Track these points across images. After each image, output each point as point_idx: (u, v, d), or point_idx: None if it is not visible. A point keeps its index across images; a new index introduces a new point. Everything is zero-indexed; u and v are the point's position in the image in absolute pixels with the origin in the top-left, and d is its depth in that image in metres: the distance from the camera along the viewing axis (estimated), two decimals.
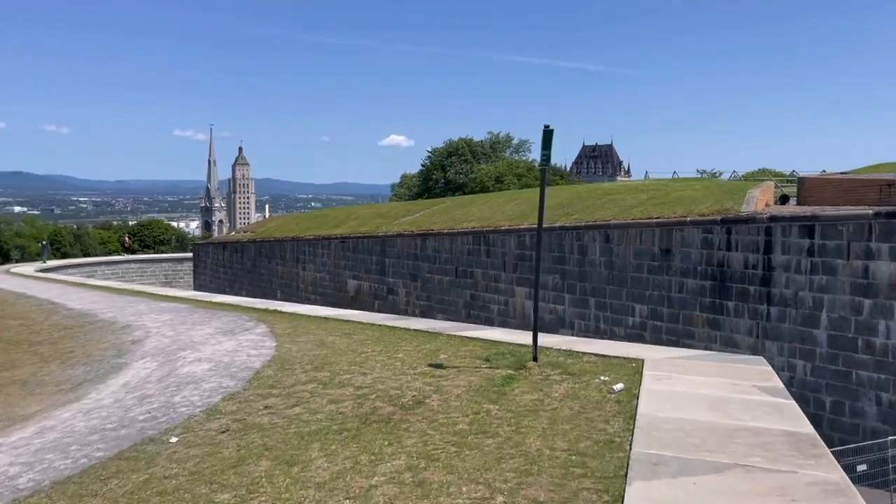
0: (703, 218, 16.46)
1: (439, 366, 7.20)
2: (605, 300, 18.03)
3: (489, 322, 21.28)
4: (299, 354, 8.25)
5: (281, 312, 12.43)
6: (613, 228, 17.97)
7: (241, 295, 36.80)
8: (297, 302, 31.99)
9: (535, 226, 20.39)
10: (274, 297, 33.71)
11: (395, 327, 9.80)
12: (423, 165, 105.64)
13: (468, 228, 22.07)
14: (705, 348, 16.43)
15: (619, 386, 5.90)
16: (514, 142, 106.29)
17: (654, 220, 17.55)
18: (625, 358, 7.05)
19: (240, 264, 36.86)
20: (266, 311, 12.78)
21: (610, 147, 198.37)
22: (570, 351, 7.56)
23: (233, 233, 50.65)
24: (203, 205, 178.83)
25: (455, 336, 8.96)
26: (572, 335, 18.67)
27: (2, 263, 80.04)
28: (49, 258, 57.90)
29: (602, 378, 6.25)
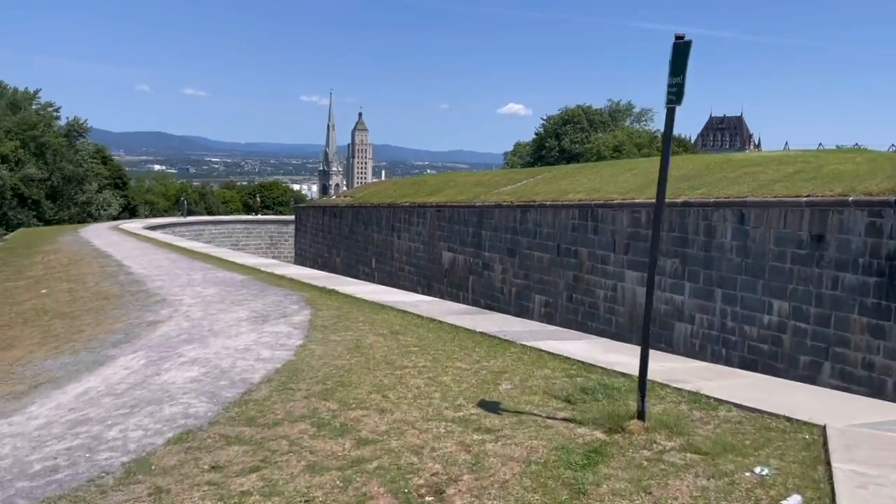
0: (870, 198, 13.06)
1: (494, 406, 4.90)
2: (735, 292, 14.98)
3: (593, 308, 18.67)
4: (319, 364, 6.20)
5: (337, 293, 10.50)
6: (750, 207, 14.82)
7: (337, 261, 35.78)
8: (391, 273, 30.50)
9: (653, 200, 17.42)
10: (368, 266, 32.34)
11: (459, 327, 7.56)
12: (536, 133, 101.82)
13: (574, 201, 19.37)
14: (864, 361, 13.23)
15: (794, 502, 3.32)
16: (636, 110, 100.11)
17: (804, 199, 14.26)
18: (789, 419, 4.44)
19: (337, 230, 35.74)
20: (323, 290, 10.89)
21: (739, 119, 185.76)
22: (695, 395, 5.02)
23: (333, 197, 49.98)
24: (321, 168, 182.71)
25: (531, 349, 6.61)
26: (691, 330, 15.78)
27: (129, 218, 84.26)
28: (187, 214, 59.98)
29: (758, 471, 3.66)
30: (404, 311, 8.67)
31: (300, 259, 41.38)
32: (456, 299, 25.20)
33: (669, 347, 16.23)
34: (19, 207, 66.40)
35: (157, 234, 30.00)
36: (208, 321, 8.37)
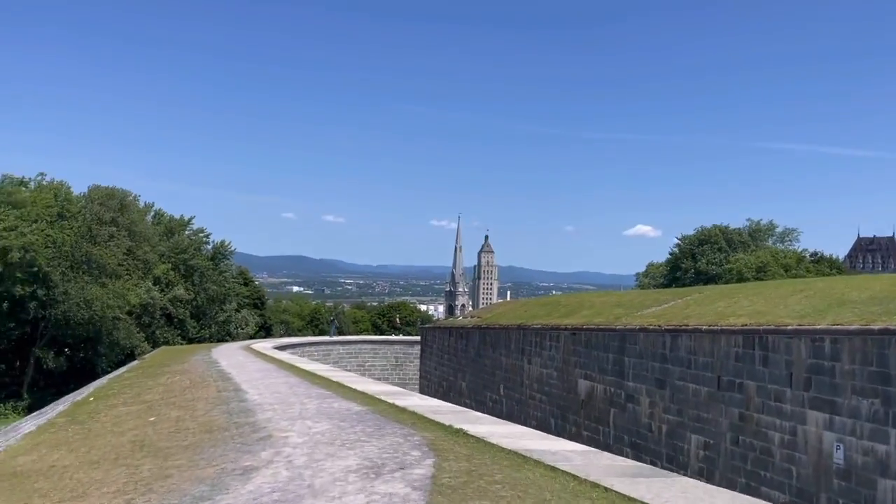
0: None
1: None
2: None
3: (766, 454, 15.63)
4: None
5: (466, 435, 8.74)
6: None
7: (463, 385, 33.93)
8: (521, 401, 28.17)
9: (839, 326, 14.68)
10: (496, 392, 30.26)
11: (636, 502, 5.55)
12: (671, 254, 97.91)
13: (737, 326, 16.83)
14: None
15: None
16: (778, 230, 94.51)
17: None
18: None
19: (464, 352, 34.20)
20: (449, 429, 9.17)
21: (891, 239, 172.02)
22: None
23: (460, 318, 48.80)
24: (448, 289, 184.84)
25: None
26: None
27: (264, 336, 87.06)
28: (336, 333, 61.15)
29: None
30: (553, 469, 6.75)
31: (425, 381, 39.97)
32: (595, 434, 22.53)
33: None
34: (166, 326, 70.21)
35: (284, 355, 29.67)
36: (311, 471, 6.84)
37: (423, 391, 40.00)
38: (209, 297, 75.65)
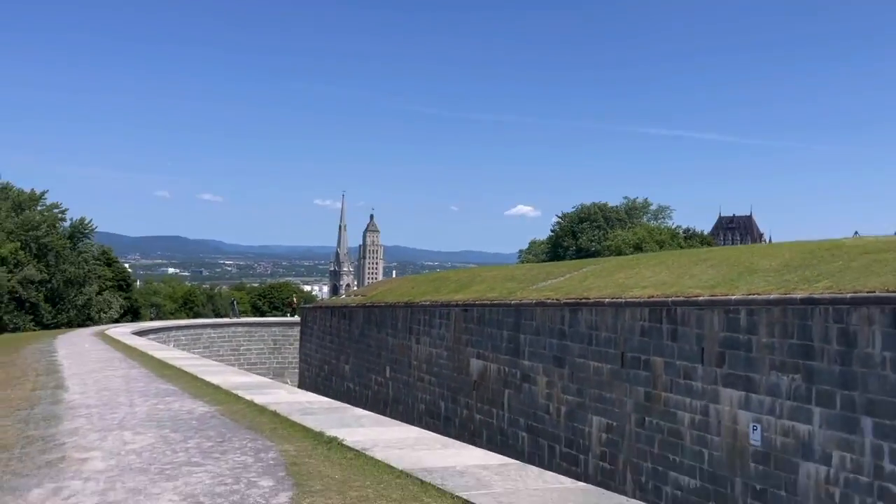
0: None
1: None
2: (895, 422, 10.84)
3: (675, 436, 14.41)
4: None
5: (341, 446, 6.53)
6: None
7: (346, 368, 31.56)
8: (408, 383, 26.14)
9: (755, 296, 13.52)
10: (382, 374, 28.16)
11: None
12: (552, 231, 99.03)
13: (642, 298, 15.49)
14: None
15: None
16: (652, 207, 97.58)
17: None
18: None
19: (347, 333, 31.78)
20: (320, 438, 6.93)
21: (749, 218, 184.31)
22: None
23: (343, 296, 46.28)
24: (332, 269, 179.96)
25: None
26: (826, 474, 11.50)
27: (131, 320, 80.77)
28: (238, 315, 56.33)
29: None
30: (442, 490, 4.68)
31: (305, 366, 37.26)
32: (489, 417, 20.91)
33: (793, 496, 11.91)
34: (17, 311, 63.10)
35: (140, 341, 26.17)
36: None
37: (302, 376, 37.25)
38: (66, 279, 68.83)
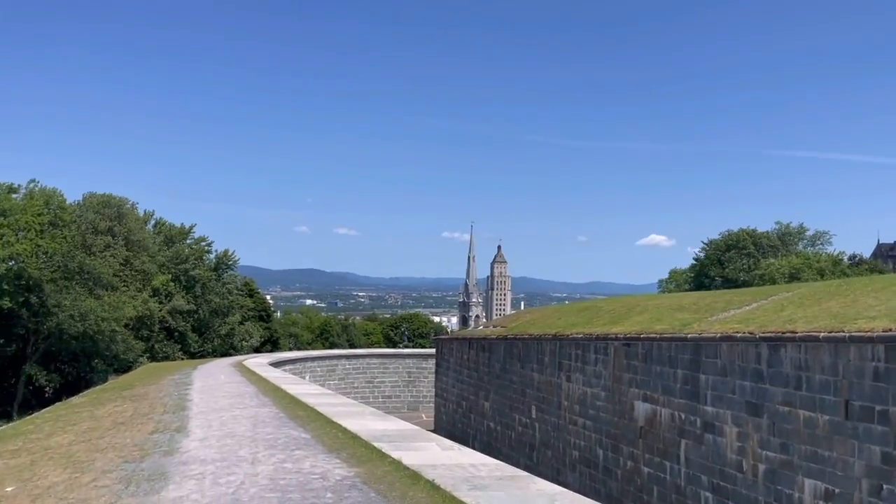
0: None
1: None
2: None
3: None
4: None
5: None
6: None
7: (486, 406, 29.27)
8: (558, 426, 23.37)
9: None
10: (527, 415, 25.59)
11: None
12: (695, 259, 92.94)
13: (875, 332, 12.16)
14: None
15: None
16: (809, 233, 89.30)
17: None
18: None
19: (486, 367, 29.53)
20: None
21: None
22: None
23: (480, 327, 44.11)
24: (461, 300, 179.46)
25: None
26: None
27: (271, 350, 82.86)
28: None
29: None
30: None
31: (441, 401, 35.38)
32: (660, 471, 17.82)
33: None
34: (166, 340, 66.11)
35: (276, 373, 25.18)
36: None
37: (438, 412, 35.36)
38: (211, 310, 71.57)
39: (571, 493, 6.27)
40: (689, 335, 16.79)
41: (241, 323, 75.13)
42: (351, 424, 10.33)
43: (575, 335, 22.35)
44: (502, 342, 28.17)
